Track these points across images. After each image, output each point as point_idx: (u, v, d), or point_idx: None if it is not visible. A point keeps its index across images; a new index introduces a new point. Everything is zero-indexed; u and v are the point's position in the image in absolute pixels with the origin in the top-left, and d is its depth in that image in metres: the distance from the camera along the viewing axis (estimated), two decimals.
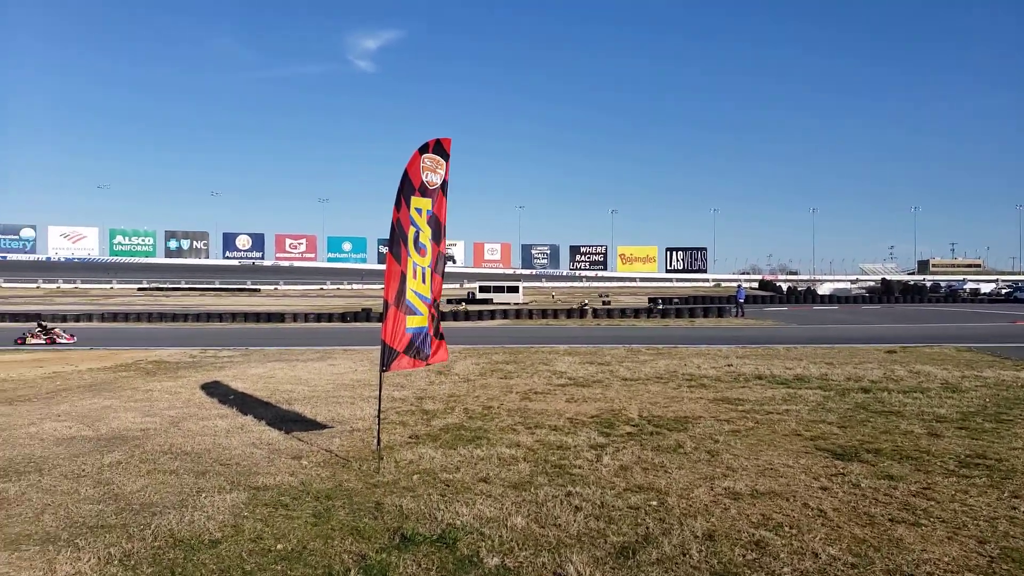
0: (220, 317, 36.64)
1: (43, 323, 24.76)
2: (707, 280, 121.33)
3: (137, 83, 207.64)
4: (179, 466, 6.99)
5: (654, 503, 5.70)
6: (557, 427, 8.66)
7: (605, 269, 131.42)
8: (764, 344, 19.84)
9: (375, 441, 7.78)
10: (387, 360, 7.18)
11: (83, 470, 6.83)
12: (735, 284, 63.49)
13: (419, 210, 7.12)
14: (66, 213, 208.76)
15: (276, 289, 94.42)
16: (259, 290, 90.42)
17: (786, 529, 5.05)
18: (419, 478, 6.51)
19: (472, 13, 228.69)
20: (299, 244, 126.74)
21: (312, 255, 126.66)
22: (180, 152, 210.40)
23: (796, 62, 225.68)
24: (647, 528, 5.11)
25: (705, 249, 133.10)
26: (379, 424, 7.39)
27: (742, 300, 38.89)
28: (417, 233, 7.12)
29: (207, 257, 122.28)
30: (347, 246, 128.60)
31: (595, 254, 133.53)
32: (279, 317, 36.51)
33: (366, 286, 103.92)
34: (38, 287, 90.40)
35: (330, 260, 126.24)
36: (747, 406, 9.93)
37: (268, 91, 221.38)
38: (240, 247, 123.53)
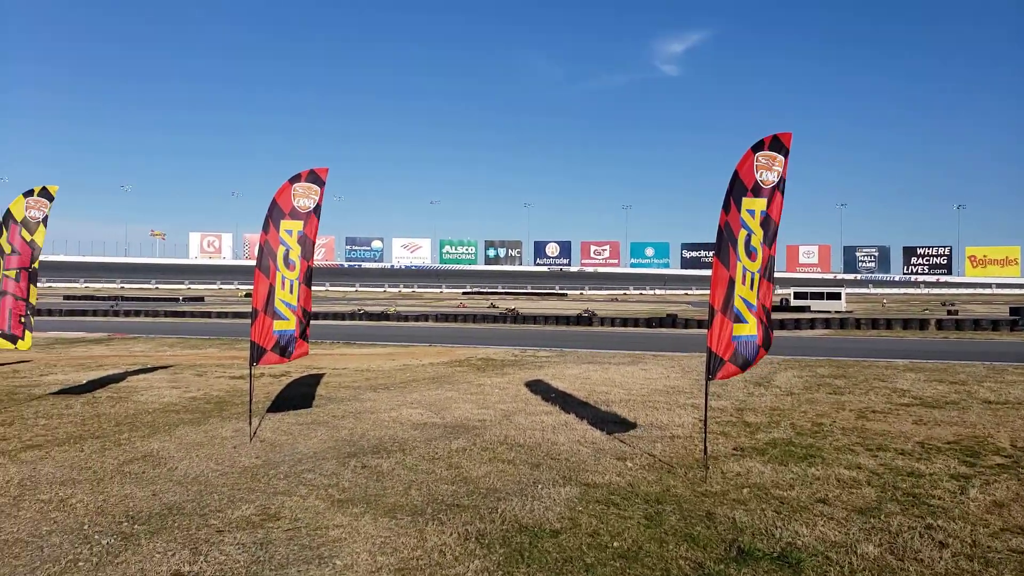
0: (534, 319, 39.07)
1: None
2: None
3: (455, 107, 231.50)
4: (515, 457, 7.54)
5: None
6: (905, 451, 7.74)
7: (949, 273, 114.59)
8: None
9: (698, 449, 7.65)
10: (713, 368, 6.99)
11: (436, 453, 7.70)
12: None
13: (751, 212, 6.81)
14: (406, 226, 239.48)
15: (581, 294, 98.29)
16: (566, 295, 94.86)
17: None
18: (749, 492, 6.24)
19: (783, 7, 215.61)
20: (603, 250, 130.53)
21: (615, 261, 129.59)
22: (497, 168, 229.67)
23: None
24: None
25: None
26: (705, 433, 7.24)
27: None
28: (748, 236, 6.82)
29: (520, 264, 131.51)
30: (650, 251, 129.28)
31: (935, 256, 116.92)
32: (587, 321, 37.88)
33: (669, 291, 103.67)
34: (384, 291, 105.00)
35: (633, 265, 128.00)
36: None
37: (574, 104, 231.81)
38: (549, 254, 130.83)
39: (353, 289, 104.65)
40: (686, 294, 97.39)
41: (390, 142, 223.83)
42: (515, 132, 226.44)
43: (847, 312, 47.25)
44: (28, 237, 10.26)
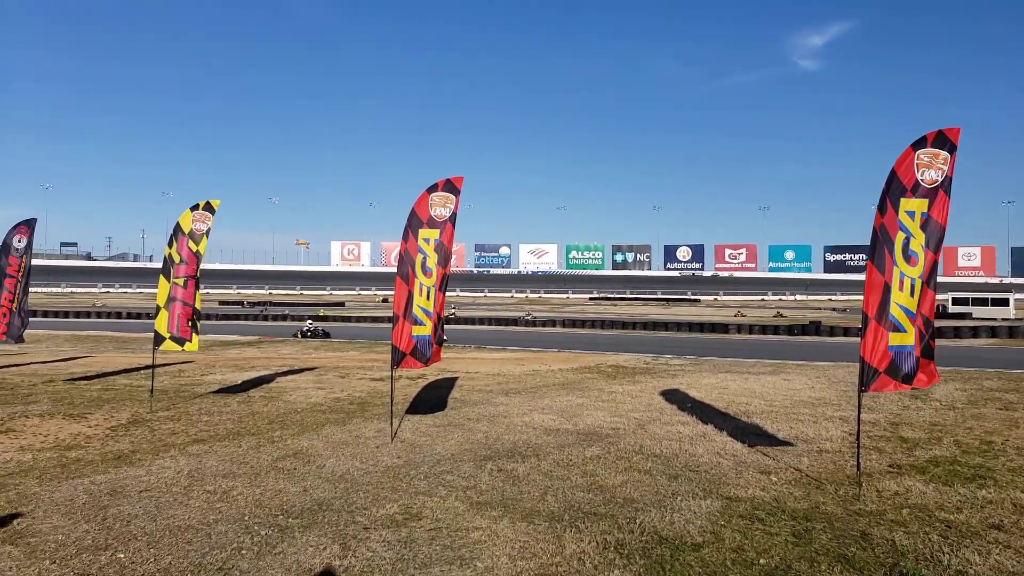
0: (665, 326, 38.29)
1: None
2: None
3: (585, 113, 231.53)
4: (651, 467, 7.37)
5: None
6: None
7: None
8: None
9: (849, 465, 7.20)
10: (866, 379, 6.53)
11: (570, 460, 7.65)
12: None
13: (910, 213, 6.31)
14: (533, 232, 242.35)
15: (715, 300, 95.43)
16: (699, 300, 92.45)
17: None
18: (909, 513, 5.78)
19: None
20: (738, 254, 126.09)
21: (752, 265, 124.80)
22: (625, 170, 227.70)
23: None
24: None
25: None
26: (858, 447, 6.78)
27: None
28: (907, 239, 6.32)
29: (649, 269, 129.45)
30: (789, 255, 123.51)
31: None
32: (723, 328, 36.66)
33: (811, 297, 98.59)
34: (511, 296, 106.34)
35: (771, 270, 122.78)
36: None
37: (708, 102, 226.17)
38: (680, 258, 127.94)
39: (482, 294, 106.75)
40: (830, 300, 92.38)
41: (519, 151, 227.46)
42: (645, 133, 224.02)
43: (1016, 320, 43.06)
44: (194, 248, 11.17)
